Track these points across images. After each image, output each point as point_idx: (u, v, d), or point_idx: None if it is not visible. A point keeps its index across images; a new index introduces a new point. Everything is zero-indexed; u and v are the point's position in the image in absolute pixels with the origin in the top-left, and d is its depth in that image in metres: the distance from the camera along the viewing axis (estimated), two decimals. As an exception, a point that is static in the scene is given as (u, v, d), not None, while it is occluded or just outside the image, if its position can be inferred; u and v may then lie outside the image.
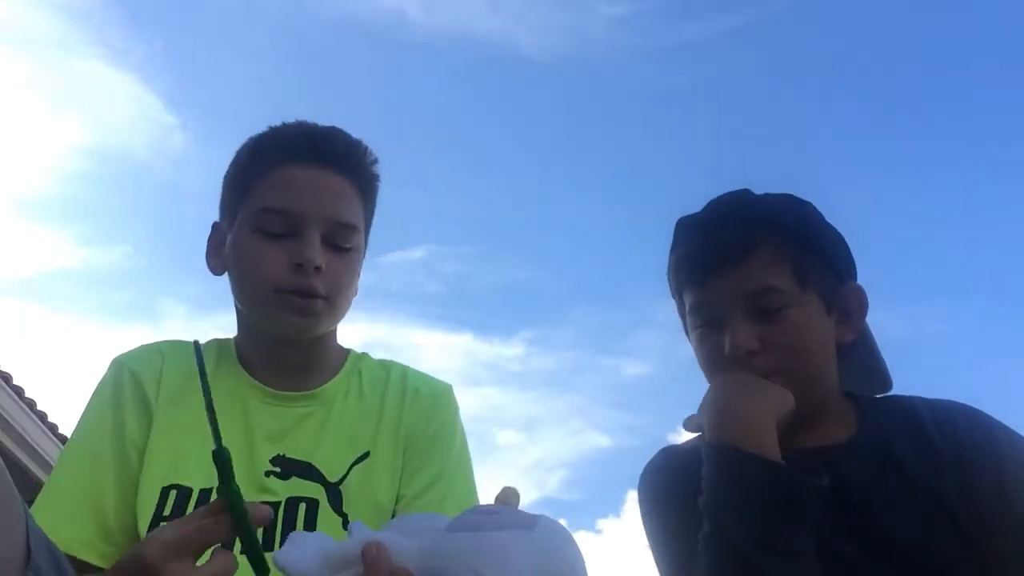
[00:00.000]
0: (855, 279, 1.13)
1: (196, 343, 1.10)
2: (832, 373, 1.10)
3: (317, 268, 1.07)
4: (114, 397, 1.10)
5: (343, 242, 1.11)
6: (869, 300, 1.12)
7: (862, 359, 1.16)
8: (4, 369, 5.91)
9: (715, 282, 1.07)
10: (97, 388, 1.13)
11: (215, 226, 1.19)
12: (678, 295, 1.16)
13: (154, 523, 1.01)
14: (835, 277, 1.10)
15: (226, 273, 1.15)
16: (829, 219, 1.14)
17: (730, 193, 1.14)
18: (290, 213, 1.08)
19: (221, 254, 1.16)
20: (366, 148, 1.17)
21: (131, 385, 1.11)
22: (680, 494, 1.03)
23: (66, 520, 1.00)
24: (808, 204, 1.13)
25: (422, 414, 1.15)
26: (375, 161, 1.18)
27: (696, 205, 1.16)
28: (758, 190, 1.16)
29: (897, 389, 1.18)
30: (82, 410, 1.12)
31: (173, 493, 1.03)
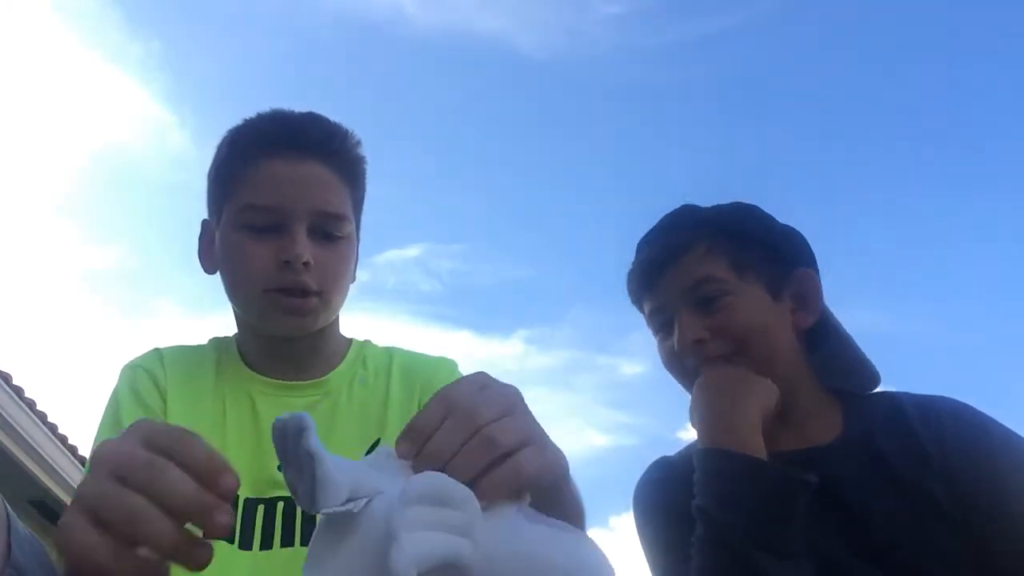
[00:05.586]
0: (810, 267, 1.16)
1: None
2: (791, 358, 1.11)
3: (306, 264, 1.04)
4: (136, 395, 1.10)
5: (332, 231, 1.08)
6: (822, 285, 1.15)
7: (839, 353, 1.17)
8: (4, 369, 5.91)
9: (660, 284, 1.14)
10: (116, 392, 1.11)
11: (204, 224, 1.17)
12: (639, 307, 1.21)
13: None
14: (781, 266, 1.14)
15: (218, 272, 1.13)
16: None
17: (675, 208, 1.22)
18: (273, 209, 1.05)
19: (212, 253, 1.14)
20: (346, 131, 1.12)
21: (148, 383, 1.11)
22: (674, 504, 1.05)
23: None
24: (750, 206, 1.19)
25: (428, 388, 1.13)
26: (358, 143, 1.14)
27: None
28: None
29: (883, 385, 1.19)
30: (102, 415, 1.10)
31: None
